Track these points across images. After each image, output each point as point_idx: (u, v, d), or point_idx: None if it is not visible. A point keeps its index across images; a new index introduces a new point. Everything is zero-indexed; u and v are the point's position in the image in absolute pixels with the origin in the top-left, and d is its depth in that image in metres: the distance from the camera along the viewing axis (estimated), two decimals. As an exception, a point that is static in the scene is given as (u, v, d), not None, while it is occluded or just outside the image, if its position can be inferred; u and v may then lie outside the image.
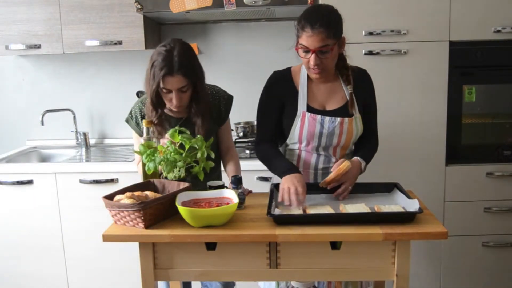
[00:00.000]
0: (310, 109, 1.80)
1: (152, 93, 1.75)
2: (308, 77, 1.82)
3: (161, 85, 1.72)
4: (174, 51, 1.72)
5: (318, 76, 1.75)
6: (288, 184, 1.63)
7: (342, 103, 1.81)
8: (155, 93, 1.75)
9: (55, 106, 3.05)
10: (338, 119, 1.78)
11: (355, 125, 1.80)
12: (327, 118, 1.78)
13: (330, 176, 1.69)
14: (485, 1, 2.31)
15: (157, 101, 1.78)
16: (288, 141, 1.87)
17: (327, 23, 1.65)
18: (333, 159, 1.84)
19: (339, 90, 1.83)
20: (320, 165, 1.85)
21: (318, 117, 1.78)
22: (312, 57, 1.67)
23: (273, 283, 1.88)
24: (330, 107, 1.82)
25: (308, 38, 1.65)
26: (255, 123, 2.91)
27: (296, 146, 1.86)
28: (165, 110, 1.85)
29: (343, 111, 1.80)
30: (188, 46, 1.80)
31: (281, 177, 1.71)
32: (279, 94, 1.84)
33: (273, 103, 1.85)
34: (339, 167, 1.67)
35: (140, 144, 1.73)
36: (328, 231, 1.43)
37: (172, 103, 1.76)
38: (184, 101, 1.78)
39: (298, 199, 1.60)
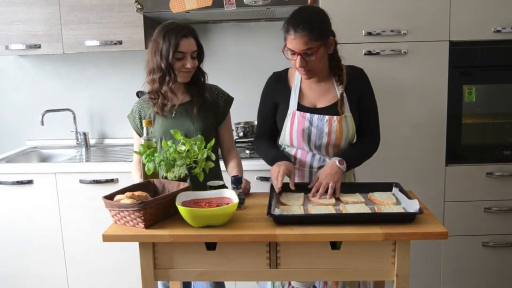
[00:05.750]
0: (301, 107, 1.83)
1: (171, 59, 1.77)
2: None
3: (178, 48, 1.76)
4: (177, 22, 1.81)
5: (306, 76, 1.78)
6: (274, 168, 1.73)
7: (333, 101, 1.82)
8: (172, 58, 1.77)
9: (55, 106, 3.05)
10: (327, 117, 1.80)
11: (345, 124, 1.80)
12: (316, 116, 1.81)
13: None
14: (485, 1, 2.31)
15: (171, 70, 1.80)
16: (280, 142, 1.90)
17: (310, 27, 1.65)
18: (327, 159, 1.84)
19: (331, 90, 1.84)
20: (316, 164, 1.86)
21: (308, 115, 1.81)
22: (297, 59, 1.70)
23: (269, 283, 1.88)
24: (320, 105, 1.83)
25: (292, 41, 1.68)
26: (255, 123, 2.96)
27: (290, 146, 1.88)
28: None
29: (332, 110, 1.81)
30: None
31: (271, 165, 1.78)
32: (273, 94, 1.89)
33: (268, 103, 1.92)
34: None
35: (140, 144, 1.74)
36: (328, 231, 1.43)
37: (185, 67, 1.80)
38: (195, 65, 1.83)
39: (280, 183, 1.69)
